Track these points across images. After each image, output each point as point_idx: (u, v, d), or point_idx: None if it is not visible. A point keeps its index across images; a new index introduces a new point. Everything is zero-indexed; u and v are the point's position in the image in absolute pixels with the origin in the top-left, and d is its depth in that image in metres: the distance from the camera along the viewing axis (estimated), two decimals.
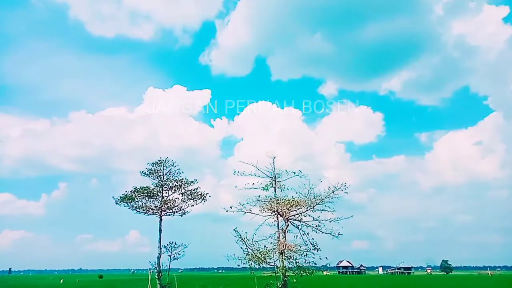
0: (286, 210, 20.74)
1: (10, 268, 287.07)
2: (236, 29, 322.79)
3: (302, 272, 19.82)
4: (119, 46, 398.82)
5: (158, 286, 34.18)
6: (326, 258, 20.02)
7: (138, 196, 34.16)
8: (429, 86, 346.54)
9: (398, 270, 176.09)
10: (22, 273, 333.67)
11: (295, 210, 20.95)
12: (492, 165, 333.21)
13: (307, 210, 20.79)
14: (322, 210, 20.57)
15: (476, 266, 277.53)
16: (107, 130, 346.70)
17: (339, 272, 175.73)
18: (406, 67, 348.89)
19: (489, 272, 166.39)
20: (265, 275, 21.83)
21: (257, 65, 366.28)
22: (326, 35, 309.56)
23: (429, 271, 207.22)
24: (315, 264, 19.99)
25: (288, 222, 21.06)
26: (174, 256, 36.79)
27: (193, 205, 35.33)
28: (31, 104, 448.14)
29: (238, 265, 20.56)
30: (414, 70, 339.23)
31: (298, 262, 20.03)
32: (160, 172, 35.02)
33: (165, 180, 34.96)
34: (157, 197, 34.78)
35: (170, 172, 35.20)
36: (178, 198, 35.14)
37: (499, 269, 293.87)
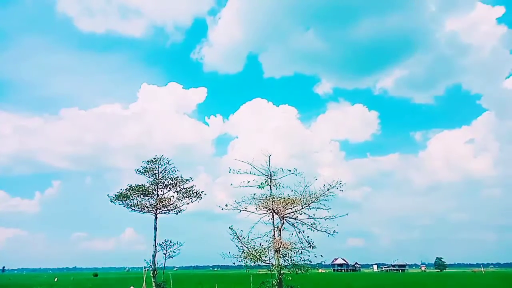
0: (281, 208, 20.77)
1: (3, 267, 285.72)
2: (228, 25, 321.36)
3: (297, 269, 19.87)
4: (110, 42, 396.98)
5: (153, 284, 34.12)
6: (321, 255, 20.11)
7: (133, 194, 34.00)
8: (421, 84, 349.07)
9: (392, 268, 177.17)
10: (16, 271, 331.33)
11: (291, 208, 20.97)
12: (485, 164, 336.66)
13: (302, 208, 20.81)
14: (317, 208, 20.64)
15: (470, 264, 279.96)
16: (100, 127, 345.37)
17: (334, 270, 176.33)
18: (399, 64, 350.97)
19: (482, 269, 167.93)
20: (261, 273, 21.89)
21: (249, 62, 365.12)
22: (319, 32, 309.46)
23: (423, 268, 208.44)
24: (310, 261, 20.05)
25: (284, 220, 21.09)
26: (169, 254, 36.83)
27: (188, 203, 35.30)
28: (23, 101, 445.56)
29: (234, 263, 20.57)
30: (407, 67, 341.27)
31: (293, 260, 20.07)
32: (155, 170, 34.85)
33: (160, 178, 34.83)
34: (152, 195, 34.67)
35: (166, 170, 35.06)
36: (173, 196, 35.08)
37: (492, 266, 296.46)
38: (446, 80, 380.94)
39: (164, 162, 35.03)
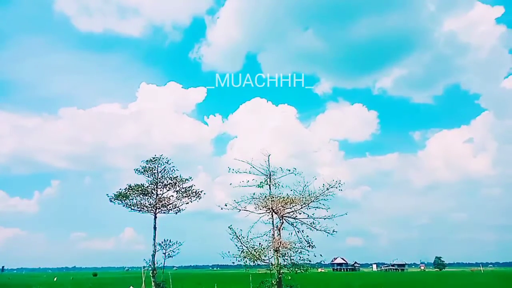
0: (281, 207, 20.76)
1: (3, 266, 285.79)
2: (226, 25, 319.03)
3: (296, 269, 19.87)
4: (109, 42, 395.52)
5: (153, 283, 34.13)
6: (321, 255, 20.12)
7: (133, 194, 34.03)
8: (420, 83, 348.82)
9: (392, 267, 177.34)
10: (15, 271, 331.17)
11: (290, 208, 20.96)
12: (484, 163, 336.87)
13: (301, 208, 20.80)
14: (317, 207, 20.62)
15: (469, 263, 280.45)
16: (99, 127, 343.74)
17: (333, 269, 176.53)
18: (398, 64, 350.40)
19: (481, 268, 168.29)
20: (260, 272, 21.84)
21: (247, 62, 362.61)
22: (318, 31, 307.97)
23: (422, 267, 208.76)
24: (310, 261, 20.04)
25: (283, 220, 21.07)
26: (168, 253, 36.74)
27: (187, 203, 35.32)
28: (22, 100, 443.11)
29: (233, 263, 20.56)
30: (406, 67, 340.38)
31: (292, 259, 20.07)
32: (154, 170, 34.87)
33: (159, 178, 34.84)
34: (152, 194, 34.68)
35: (165, 169, 35.08)
36: (172, 196, 35.09)
37: (491, 265, 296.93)
38: (445, 80, 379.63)
39: (163, 161, 35.06)
